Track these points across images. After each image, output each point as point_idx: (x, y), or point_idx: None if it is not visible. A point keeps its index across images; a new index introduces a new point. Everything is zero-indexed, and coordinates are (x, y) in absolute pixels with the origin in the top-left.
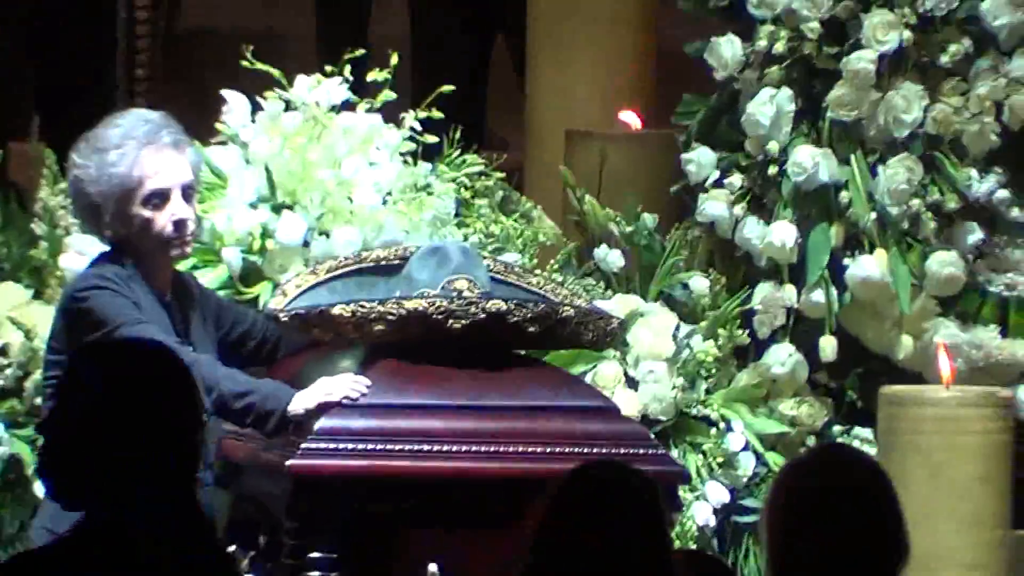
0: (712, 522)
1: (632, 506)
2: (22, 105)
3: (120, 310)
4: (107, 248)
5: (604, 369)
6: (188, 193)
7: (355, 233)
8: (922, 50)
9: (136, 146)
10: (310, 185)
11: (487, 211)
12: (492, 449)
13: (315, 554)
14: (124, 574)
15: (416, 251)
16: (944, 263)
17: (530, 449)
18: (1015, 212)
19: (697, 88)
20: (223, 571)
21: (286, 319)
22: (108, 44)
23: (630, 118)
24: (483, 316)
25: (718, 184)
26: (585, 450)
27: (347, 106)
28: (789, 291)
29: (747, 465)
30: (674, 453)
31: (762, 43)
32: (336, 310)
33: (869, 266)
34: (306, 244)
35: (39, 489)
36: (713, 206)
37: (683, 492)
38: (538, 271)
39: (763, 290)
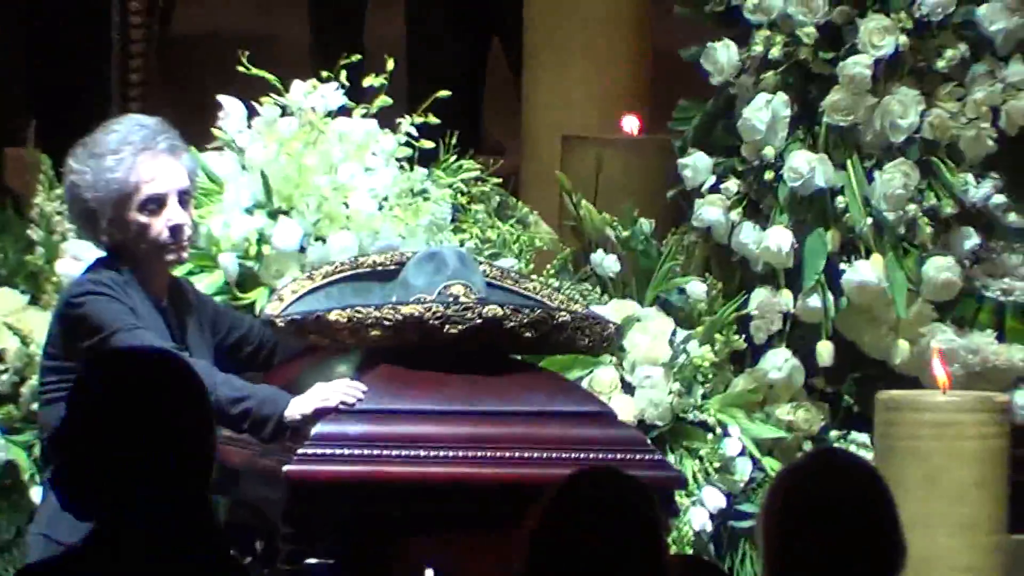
0: (709, 527)
1: (627, 513)
2: (18, 111)
3: (116, 316)
4: (103, 254)
5: (600, 374)
6: (184, 199)
7: (351, 238)
8: (918, 55)
9: (133, 152)
10: (306, 190)
11: (483, 216)
12: (488, 454)
13: (312, 560)
14: None
15: (412, 256)
16: (940, 268)
17: (527, 454)
18: (1011, 217)
19: (693, 92)
20: None
21: (282, 324)
22: (103, 49)
23: (631, 123)
24: (479, 321)
25: (714, 189)
26: (581, 455)
27: (343, 111)
28: (785, 296)
29: (744, 470)
30: (671, 458)
31: (758, 48)
32: (332, 315)
33: (865, 271)
34: (302, 250)
35: (35, 495)
36: (709, 211)
37: (680, 497)
38: (534, 276)
39: (759, 295)
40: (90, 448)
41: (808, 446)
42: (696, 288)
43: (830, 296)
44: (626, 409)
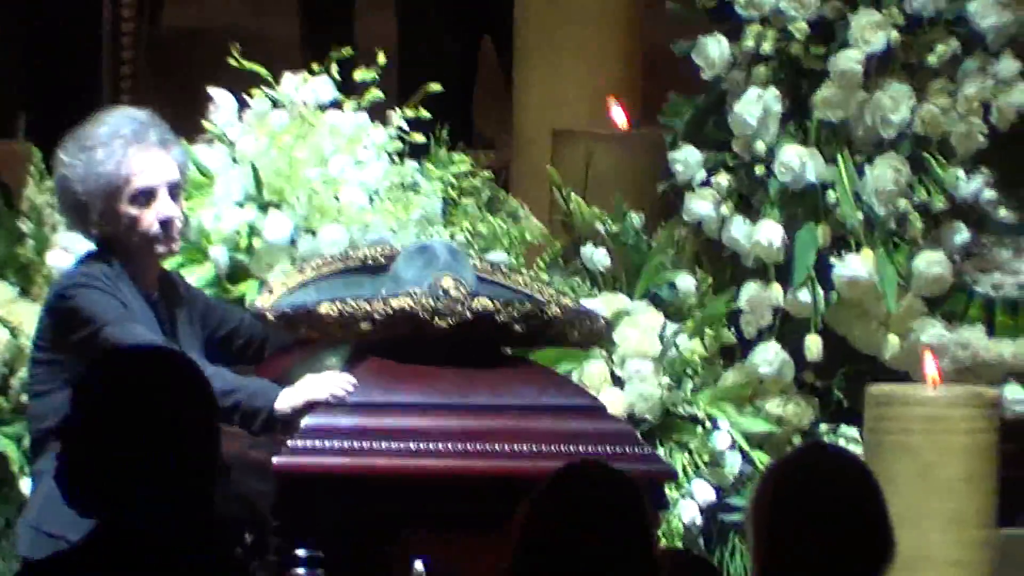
0: (698, 521)
1: (616, 507)
2: (9, 104)
3: (106, 309)
4: (93, 246)
5: (591, 368)
6: (175, 191)
7: (342, 232)
8: (909, 51)
9: (123, 144)
10: (297, 184)
11: (474, 210)
12: (478, 448)
13: (301, 552)
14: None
15: (403, 250)
16: (931, 263)
17: (517, 448)
18: (1002, 212)
19: (683, 87)
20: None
21: (273, 318)
22: (93, 43)
23: (618, 114)
24: (469, 315)
25: (705, 184)
26: (571, 449)
27: (334, 105)
28: (776, 291)
29: (733, 464)
30: (660, 452)
31: (749, 43)
32: (323, 309)
33: (856, 266)
34: (293, 243)
35: (25, 487)
36: (700, 206)
37: (669, 491)
38: (524, 270)
39: (750, 290)
40: (93, 445)
41: (798, 440)
42: (686, 282)
43: (820, 291)
44: (616, 403)
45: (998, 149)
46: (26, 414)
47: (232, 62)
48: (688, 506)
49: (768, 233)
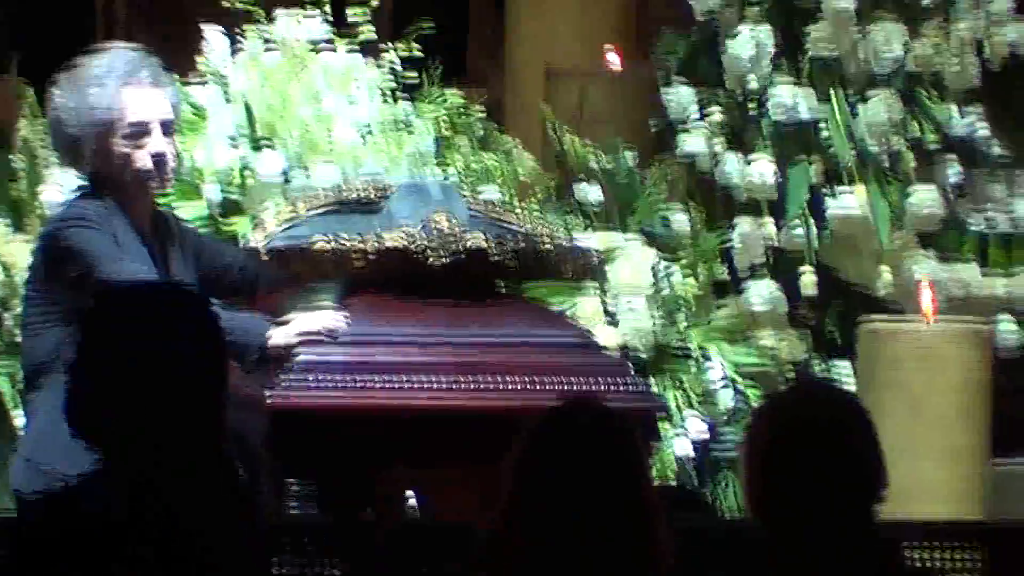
0: (691, 456)
1: (608, 444)
2: (2, 41)
3: (100, 246)
4: (87, 184)
5: (584, 304)
6: (168, 129)
7: (334, 169)
8: None
9: (116, 82)
10: (290, 121)
11: (467, 148)
12: (471, 383)
13: (295, 486)
14: (147, 515)
15: (396, 187)
16: (924, 199)
17: (509, 383)
18: (995, 148)
19: (676, 24)
20: (247, 513)
21: (266, 254)
22: None
23: (612, 57)
24: (462, 252)
25: (698, 121)
26: (564, 384)
27: (327, 43)
28: (769, 227)
29: (726, 399)
30: (653, 387)
31: None
32: (316, 245)
33: (849, 202)
34: (286, 180)
35: (19, 422)
36: (693, 143)
37: (662, 425)
38: (518, 207)
39: (743, 226)
40: (103, 378)
41: (791, 375)
42: (680, 218)
43: (813, 227)
44: (609, 338)
45: (991, 85)
46: (20, 351)
47: (225, 1)
48: (681, 441)
49: (761, 169)
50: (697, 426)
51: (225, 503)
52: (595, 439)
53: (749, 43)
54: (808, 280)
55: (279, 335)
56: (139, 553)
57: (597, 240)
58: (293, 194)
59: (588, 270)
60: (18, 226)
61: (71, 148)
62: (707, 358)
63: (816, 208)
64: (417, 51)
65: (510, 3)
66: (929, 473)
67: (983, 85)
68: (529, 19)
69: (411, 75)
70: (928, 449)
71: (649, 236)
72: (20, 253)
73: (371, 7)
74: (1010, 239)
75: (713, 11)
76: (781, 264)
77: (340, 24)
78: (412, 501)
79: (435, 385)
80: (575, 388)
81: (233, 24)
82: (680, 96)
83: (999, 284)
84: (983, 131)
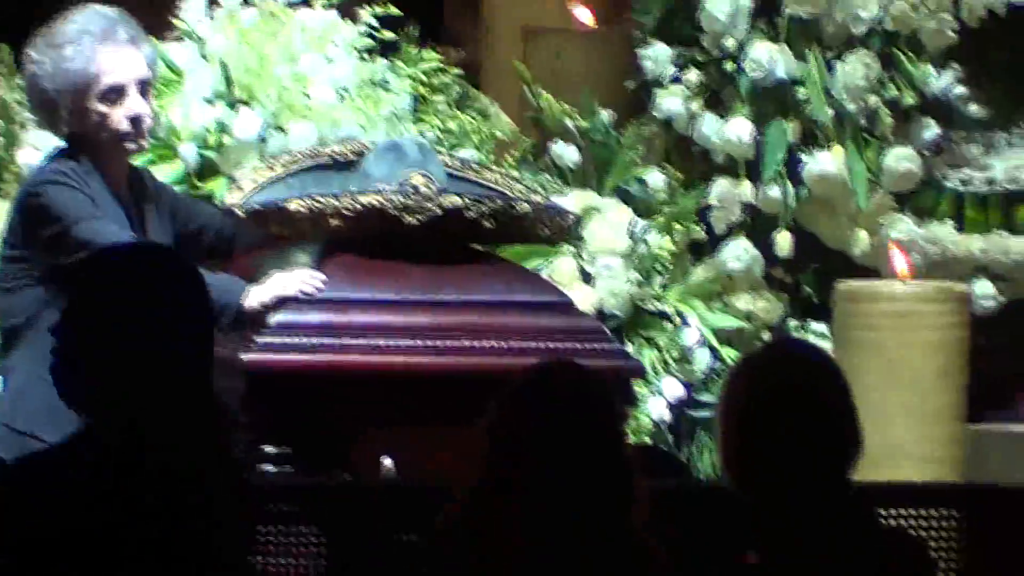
0: (667, 417)
1: (584, 405)
2: None
3: (76, 206)
4: (63, 144)
5: (560, 264)
6: (144, 89)
7: (311, 129)
8: None
9: (92, 42)
10: (267, 81)
11: (444, 107)
12: (447, 344)
13: (270, 448)
14: (132, 475)
15: (373, 147)
16: (900, 159)
17: (486, 344)
18: (972, 108)
19: None
20: (232, 475)
21: (242, 214)
22: None
23: (583, 15)
24: (439, 212)
25: (675, 80)
26: (540, 345)
27: (304, 2)
28: (745, 187)
29: (702, 360)
30: (630, 348)
31: None
32: (292, 205)
33: (826, 162)
34: (262, 140)
35: None
36: (670, 102)
37: (638, 387)
38: (494, 167)
39: (720, 186)
40: (89, 341)
41: (767, 336)
42: (656, 179)
43: (790, 187)
44: (585, 299)
45: (968, 45)
46: None
47: None
48: (657, 402)
49: (738, 129)
50: (673, 388)
51: (213, 465)
52: (571, 400)
53: (726, 2)
54: (783, 239)
55: (255, 296)
56: (126, 517)
57: (573, 200)
58: (270, 154)
59: (564, 230)
60: None
61: (47, 109)
62: (683, 319)
63: (793, 168)
64: (394, 10)
65: None
66: (906, 433)
67: (960, 44)
68: None
69: (388, 34)
70: (905, 410)
71: (625, 196)
72: None
73: None
74: (986, 199)
75: None
76: (758, 224)
77: None
78: (387, 462)
79: (411, 346)
80: (551, 349)
81: None
82: (657, 56)
83: (975, 244)
84: (960, 90)
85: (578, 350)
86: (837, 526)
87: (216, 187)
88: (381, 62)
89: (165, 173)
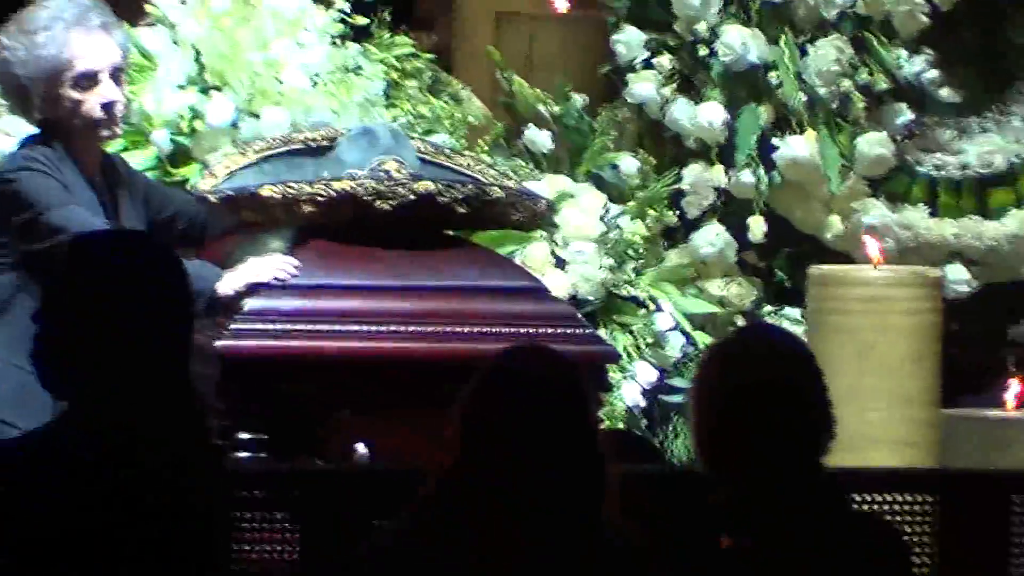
0: (641, 402)
1: (557, 390)
2: None
3: (50, 192)
4: (36, 130)
5: (533, 250)
6: (117, 75)
7: (284, 115)
8: None
9: (65, 28)
10: (239, 67)
11: (416, 92)
12: (421, 330)
13: (243, 435)
14: (113, 462)
15: (345, 132)
16: (873, 144)
17: (459, 330)
18: (944, 93)
19: None
20: (211, 462)
21: (215, 201)
22: None
23: (559, 1)
24: (412, 197)
25: (647, 65)
26: (514, 330)
27: None
28: (718, 172)
29: (676, 345)
30: (603, 333)
31: None
32: (265, 191)
33: (798, 147)
34: (235, 126)
35: None
36: (642, 87)
37: (612, 372)
38: (467, 152)
39: (692, 171)
40: (70, 327)
41: (740, 321)
42: (629, 164)
43: (763, 171)
44: (558, 284)
45: (940, 29)
46: None
47: None
48: (630, 388)
49: (710, 114)
50: (646, 373)
51: (195, 451)
52: (542, 383)
53: None
54: (756, 224)
55: (228, 283)
56: (106, 504)
57: (546, 186)
58: (243, 140)
59: (538, 218)
60: None
61: (20, 95)
62: (657, 304)
63: (765, 153)
64: None
65: None
66: (879, 418)
67: (932, 28)
68: None
69: (360, 20)
70: (878, 395)
71: (598, 182)
72: None
73: None
74: (960, 184)
75: None
76: (731, 209)
77: None
78: (361, 448)
79: (385, 332)
80: (525, 335)
81: None
82: (630, 41)
83: (949, 229)
84: (932, 75)
85: (551, 335)
86: (810, 511)
87: (189, 173)
88: (353, 47)
89: (138, 159)
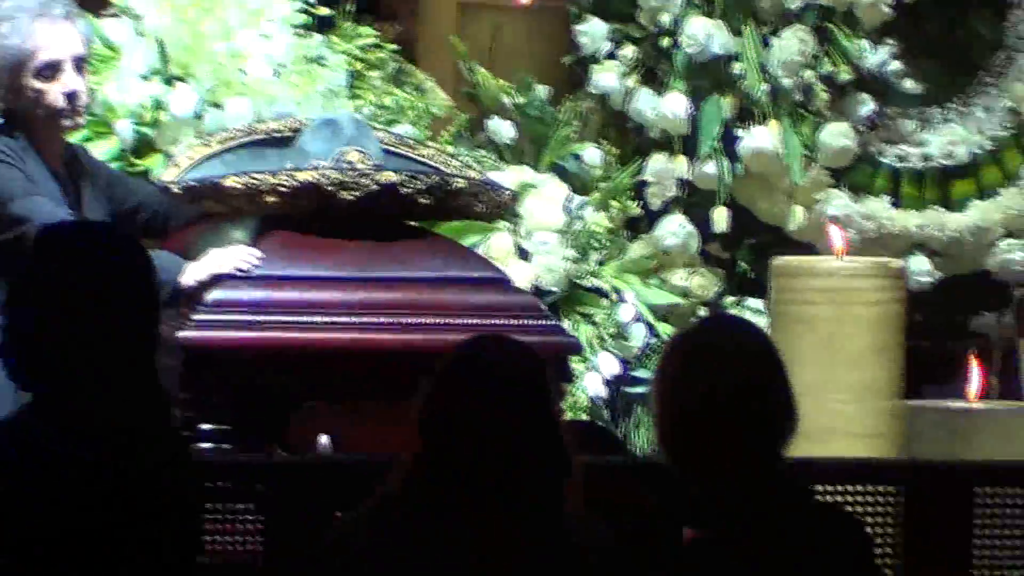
0: (603, 393)
1: (518, 380)
2: None
3: (13, 182)
4: None
5: (496, 240)
6: (80, 65)
7: (247, 105)
8: None
9: (28, 18)
10: (203, 57)
11: (380, 83)
12: (384, 320)
13: (207, 426)
14: (77, 452)
15: (308, 123)
16: (836, 134)
17: (422, 320)
18: (907, 84)
19: None
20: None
21: (178, 191)
22: None
23: None
24: (375, 187)
25: (610, 56)
26: (477, 321)
27: None
28: (681, 162)
29: (639, 336)
30: (566, 324)
31: None
32: (228, 182)
33: (761, 137)
34: (198, 116)
35: None
36: (605, 78)
37: (575, 363)
38: (430, 143)
39: (655, 161)
40: (36, 319)
41: (703, 312)
42: (592, 154)
43: (726, 162)
44: (522, 275)
45: (903, 20)
46: None
47: None
48: (593, 378)
49: (673, 105)
50: (609, 364)
51: (158, 440)
52: (503, 374)
53: None
54: (719, 215)
55: (191, 273)
56: (72, 494)
57: (510, 176)
58: (206, 131)
59: (501, 208)
60: None
61: None
62: (620, 295)
63: (729, 144)
64: None
65: None
66: (843, 409)
67: (895, 19)
68: None
69: (324, 10)
70: (840, 385)
71: (562, 172)
72: None
73: None
74: (922, 174)
75: None
76: (694, 200)
77: None
78: (324, 440)
79: (348, 323)
80: (488, 325)
81: None
82: (593, 31)
83: (912, 220)
84: (895, 66)
85: (514, 326)
86: (772, 502)
87: (152, 164)
88: (317, 38)
89: (101, 150)
